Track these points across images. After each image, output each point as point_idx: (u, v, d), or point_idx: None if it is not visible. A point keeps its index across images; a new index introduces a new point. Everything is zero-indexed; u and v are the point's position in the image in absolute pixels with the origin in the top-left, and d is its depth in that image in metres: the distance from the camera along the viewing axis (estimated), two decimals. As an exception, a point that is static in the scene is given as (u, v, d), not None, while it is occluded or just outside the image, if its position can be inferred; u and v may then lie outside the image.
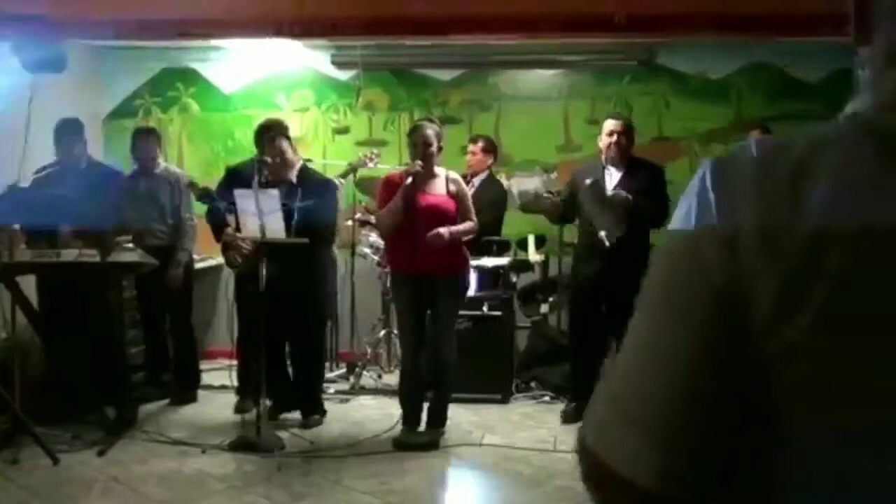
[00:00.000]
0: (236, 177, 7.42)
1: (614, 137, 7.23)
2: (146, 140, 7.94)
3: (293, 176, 7.13)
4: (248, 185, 6.84)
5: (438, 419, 6.99)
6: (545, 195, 7.42)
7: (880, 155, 1.00)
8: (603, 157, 7.32)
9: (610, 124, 7.32)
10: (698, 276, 1.04)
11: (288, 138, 7.37)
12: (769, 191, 1.03)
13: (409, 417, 6.86)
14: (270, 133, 7.34)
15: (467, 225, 6.86)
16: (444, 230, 6.65)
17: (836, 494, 0.98)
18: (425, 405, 6.97)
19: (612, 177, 7.22)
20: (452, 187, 6.87)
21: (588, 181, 7.02)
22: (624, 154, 7.26)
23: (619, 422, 1.10)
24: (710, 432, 1.07)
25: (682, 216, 1.09)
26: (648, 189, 7.07)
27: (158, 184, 7.88)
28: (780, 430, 1.02)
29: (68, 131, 7.28)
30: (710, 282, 1.03)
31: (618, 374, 1.13)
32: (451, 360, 6.89)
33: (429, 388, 6.98)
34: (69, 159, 7.24)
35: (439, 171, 6.91)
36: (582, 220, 7.33)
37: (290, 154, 7.18)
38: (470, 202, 7.00)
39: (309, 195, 6.92)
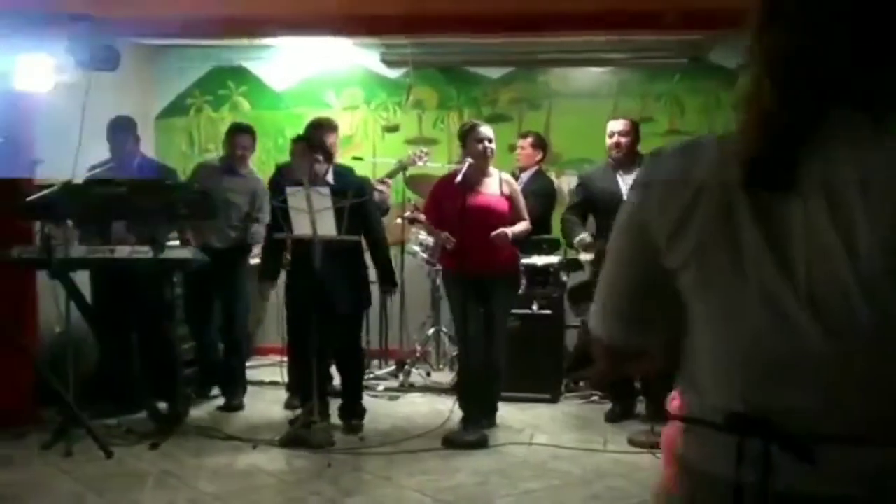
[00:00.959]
0: (287, 174, 7.45)
1: (615, 138, 7.16)
2: (238, 136, 7.78)
3: (329, 178, 7.07)
4: (298, 183, 6.83)
5: (491, 409, 7.14)
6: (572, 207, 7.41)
7: (723, 150, 1.65)
8: (610, 161, 7.27)
9: (612, 125, 7.25)
10: (633, 222, 1.76)
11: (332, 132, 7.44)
12: (675, 168, 1.72)
13: (470, 415, 6.91)
14: (317, 132, 7.33)
15: (524, 225, 6.97)
16: (508, 230, 6.75)
17: (707, 322, 1.69)
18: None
19: (625, 180, 7.10)
20: (506, 189, 6.94)
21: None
22: (629, 154, 7.19)
23: (596, 307, 1.86)
24: (638, 307, 1.81)
25: (629, 193, 1.80)
26: None
27: (238, 185, 7.74)
28: (681, 299, 1.72)
29: (121, 129, 7.36)
30: (637, 225, 1.73)
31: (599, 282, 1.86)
32: (501, 358, 6.93)
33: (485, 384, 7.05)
34: (122, 156, 7.31)
35: (493, 171, 6.96)
36: (600, 226, 7.24)
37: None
38: (523, 203, 7.04)
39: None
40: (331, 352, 7.16)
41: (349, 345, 7.24)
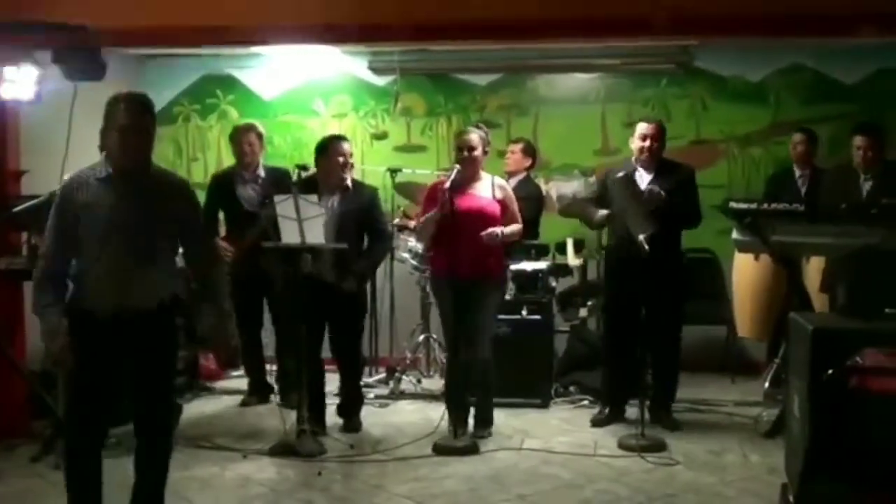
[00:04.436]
0: (220, 184, 7.97)
1: (647, 142, 7.16)
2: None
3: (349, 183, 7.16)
4: (230, 193, 6.99)
5: (484, 420, 7.12)
6: (584, 198, 7.37)
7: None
8: (634, 159, 7.27)
9: (643, 128, 7.23)
10: None
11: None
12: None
13: (456, 422, 6.89)
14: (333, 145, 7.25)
15: (515, 227, 6.99)
16: (498, 230, 6.79)
17: None
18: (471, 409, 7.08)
19: (643, 178, 7.15)
20: (499, 193, 6.97)
21: (620, 174, 6.97)
22: (656, 157, 7.22)
23: None
24: None
25: None
26: (679, 190, 7.02)
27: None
28: None
29: None
30: None
31: None
32: (488, 363, 6.92)
33: (472, 391, 7.05)
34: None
35: (485, 175, 6.98)
36: (615, 223, 7.25)
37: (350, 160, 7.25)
38: (516, 207, 7.06)
39: (356, 200, 7.08)
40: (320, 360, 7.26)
41: (351, 343, 7.36)
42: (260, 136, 8.04)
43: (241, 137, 7.97)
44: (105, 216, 4.64)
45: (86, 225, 4.65)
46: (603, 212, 7.17)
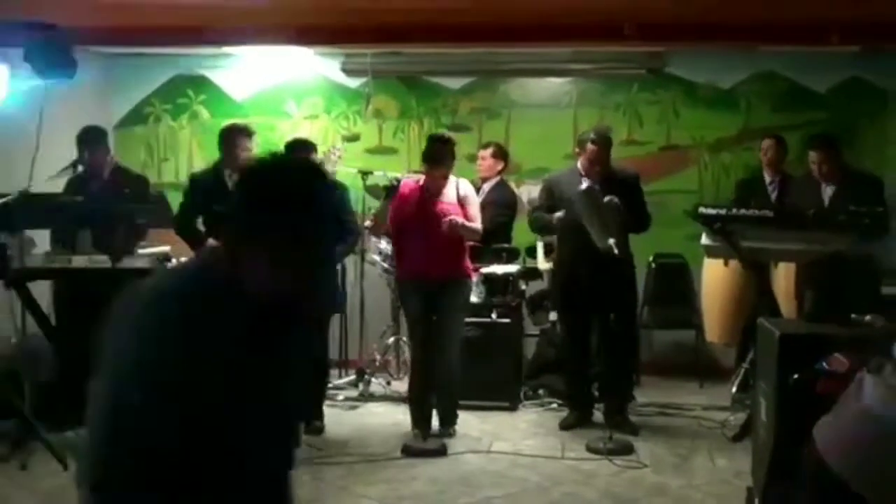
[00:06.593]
0: (198, 185, 7.46)
1: (597, 167, 7.12)
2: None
3: None
4: (208, 194, 6.94)
5: (448, 418, 7.12)
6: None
7: None
8: (582, 169, 7.25)
9: (595, 153, 7.12)
10: None
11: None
12: None
13: (420, 421, 6.94)
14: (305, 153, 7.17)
15: (476, 225, 6.99)
16: (459, 219, 6.79)
17: None
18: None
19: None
20: (461, 191, 6.95)
21: (583, 186, 6.92)
22: (603, 171, 7.17)
23: None
24: None
25: None
26: (627, 197, 7.03)
27: None
28: None
29: (92, 139, 7.32)
30: None
31: None
32: (453, 364, 6.94)
33: (436, 391, 7.06)
34: (94, 166, 7.27)
35: (451, 178, 6.99)
36: (565, 228, 7.25)
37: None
38: (476, 209, 7.05)
39: None
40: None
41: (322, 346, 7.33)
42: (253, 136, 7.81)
43: (238, 141, 7.51)
44: None
45: None
46: (559, 214, 7.18)
